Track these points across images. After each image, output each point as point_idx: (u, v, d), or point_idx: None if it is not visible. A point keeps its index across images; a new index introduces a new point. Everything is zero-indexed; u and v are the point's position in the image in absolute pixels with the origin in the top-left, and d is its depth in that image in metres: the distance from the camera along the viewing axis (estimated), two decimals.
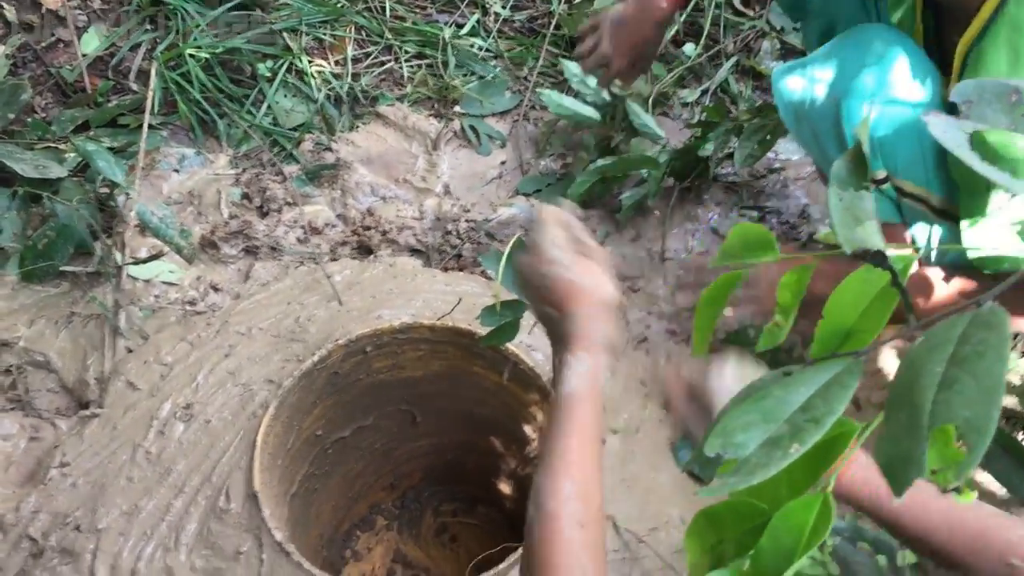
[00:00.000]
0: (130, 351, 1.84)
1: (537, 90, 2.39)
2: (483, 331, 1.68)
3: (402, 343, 1.74)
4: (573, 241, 1.16)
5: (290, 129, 2.30)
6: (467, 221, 2.16)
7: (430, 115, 2.38)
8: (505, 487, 2.03)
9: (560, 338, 1.12)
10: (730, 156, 2.14)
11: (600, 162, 2.09)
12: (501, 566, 1.42)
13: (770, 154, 2.20)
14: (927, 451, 0.49)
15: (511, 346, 1.68)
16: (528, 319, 1.49)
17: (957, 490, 0.48)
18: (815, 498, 0.64)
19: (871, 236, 0.62)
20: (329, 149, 2.28)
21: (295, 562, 1.43)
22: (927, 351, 0.53)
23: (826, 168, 1.73)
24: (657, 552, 1.48)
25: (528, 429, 1.82)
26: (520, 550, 1.43)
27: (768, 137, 2.00)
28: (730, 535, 0.74)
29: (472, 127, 2.36)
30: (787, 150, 2.31)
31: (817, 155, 1.68)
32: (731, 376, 1.16)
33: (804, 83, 1.51)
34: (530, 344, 1.73)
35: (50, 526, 1.56)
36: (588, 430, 1.03)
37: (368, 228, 2.12)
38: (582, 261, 1.14)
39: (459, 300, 1.73)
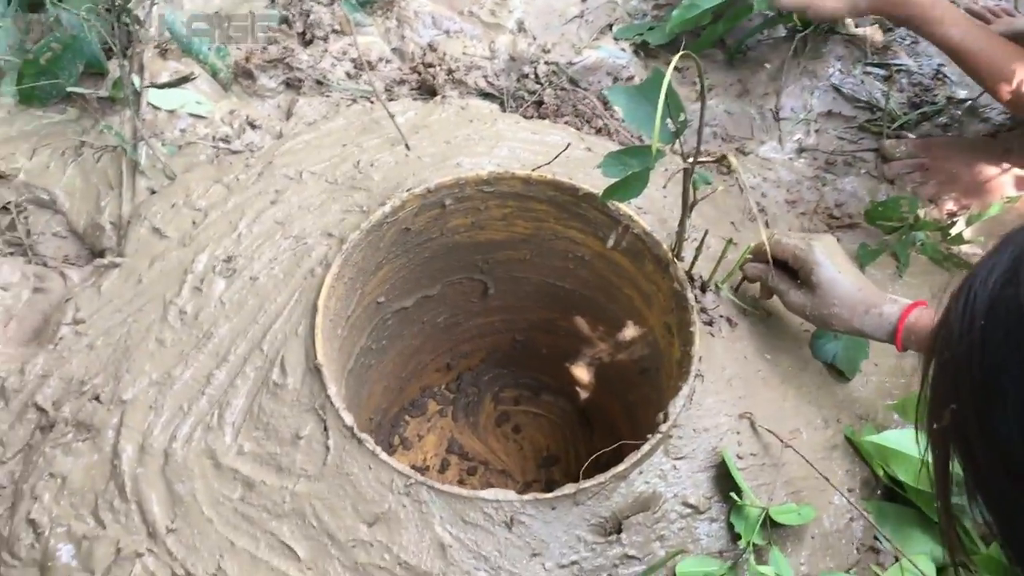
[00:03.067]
0: (153, 192, 1.53)
1: None
2: (588, 186, 1.40)
3: (487, 197, 1.44)
4: None
5: None
6: (547, 63, 1.83)
7: None
8: (581, 375, 1.76)
9: None
10: None
11: None
12: (621, 467, 1.15)
13: None
14: None
15: (623, 206, 1.39)
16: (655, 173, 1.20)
17: None
18: None
19: None
20: None
21: (369, 451, 1.16)
22: None
23: None
24: (803, 456, 1.22)
25: (622, 309, 1.54)
26: (642, 450, 1.17)
27: None
28: None
29: None
30: None
31: None
32: (830, 249, 1.26)
33: None
34: (641, 207, 1.44)
35: (63, 394, 1.28)
36: None
37: (431, 65, 1.79)
38: None
39: (567, 144, 1.42)
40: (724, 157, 1.17)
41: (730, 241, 1.28)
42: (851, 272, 1.25)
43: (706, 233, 1.29)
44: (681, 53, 1.06)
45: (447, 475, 1.75)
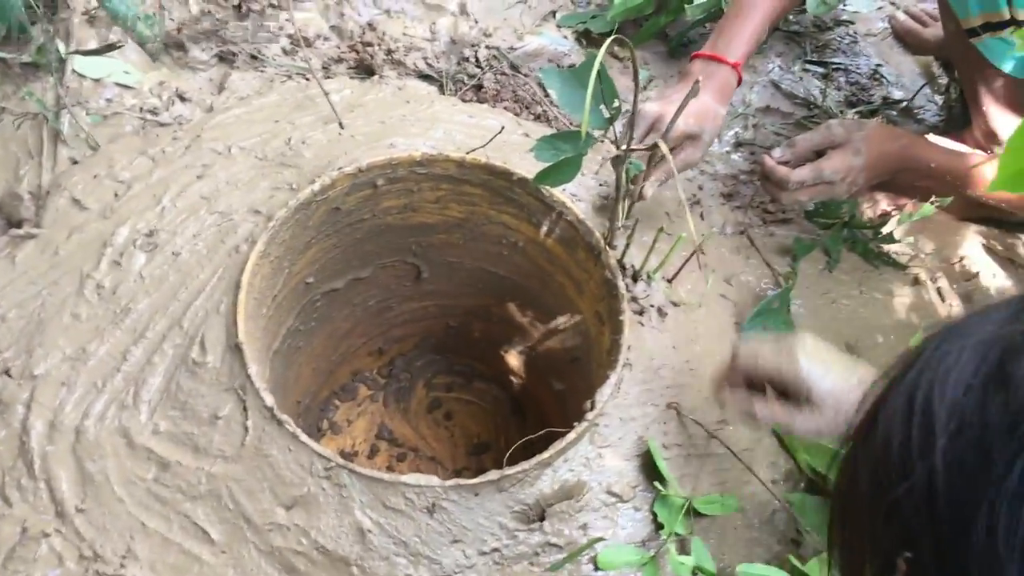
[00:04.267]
0: (75, 163, 1.47)
1: None
2: (522, 171, 1.38)
3: (420, 179, 1.41)
4: None
5: None
6: (488, 48, 1.80)
7: None
8: (513, 362, 1.75)
9: None
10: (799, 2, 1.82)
11: None
12: (546, 454, 1.14)
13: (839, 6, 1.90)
14: None
15: (557, 192, 1.38)
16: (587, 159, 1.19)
17: None
18: None
19: None
20: None
21: (289, 433, 1.13)
22: None
23: None
24: (728, 447, 1.23)
25: (554, 296, 1.53)
26: (567, 438, 1.16)
27: None
28: None
29: None
30: (857, 2, 1.99)
31: None
32: (816, 354, 1.04)
33: None
34: (575, 194, 1.43)
35: None
36: None
37: (369, 44, 1.76)
38: None
39: (501, 128, 1.40)
40: (656, 145, 1.17)
41: (661, 230, 1.27)
42: (841, 363, 1.05)
43: (636, 222, 1.28)
44: (614, 37, 1.05)
45: (376, 461, 1.72)
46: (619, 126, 1.44)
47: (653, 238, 1.32)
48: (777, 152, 1.46)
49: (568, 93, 1.16)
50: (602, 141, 1.19)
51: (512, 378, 1.78)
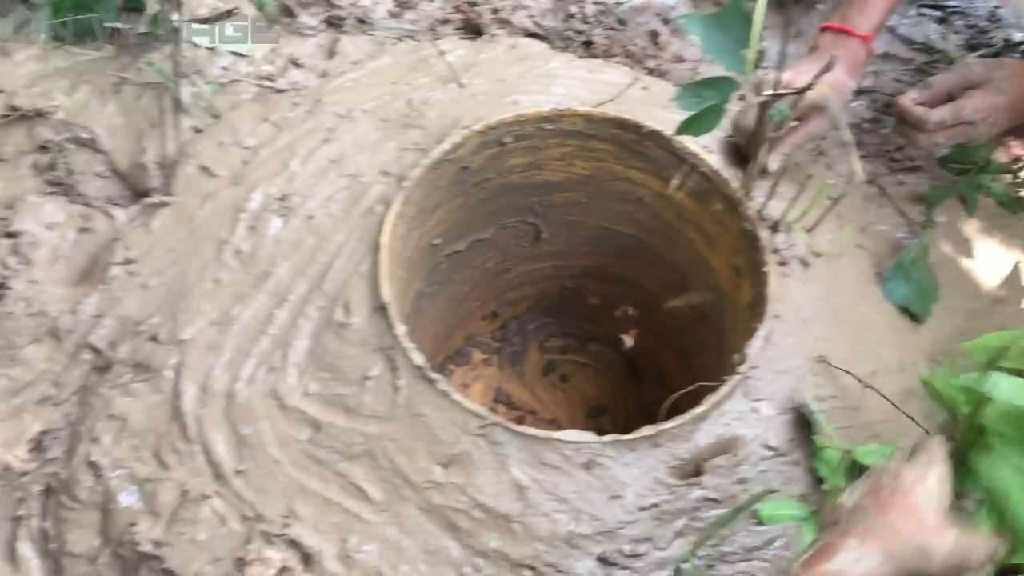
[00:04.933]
0: (198, 131, 1.47)
1: None
2: (653, 124, 1.35)
3: (547, 135, 1.39)
4: None
5: None
6: (594, 3, 1.77)
7: None
8: (630, 322, 1.73)
9: None
10: None
11: None
12: (700, 408, 1.12)
13: None
14: None
15: (690, 143, 1.35)
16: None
17: None
18: None
19: None
20: None
21: (441, 392, 1.12)
22: None
23: None
24: (884, 396, 1.19)
25: (682, 252, 1.50)
26: (721, 391, 1.13)
27: None
28: None
29: None
30: None
31: None
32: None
33: None
34: (706, 145, 1.39)
35: (118, 334, 1.24)
36: None
37: (475, 4, 1.73)
38: None
39: (630, 81, 1.37)
40: (810, 87, 1.13)
41: (809, 177, 1.23)
42: None
43: (783, 170, 1.25)
44: None
45: None
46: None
47: (795, 189, 1.28)
48: (913, 93, 1.41)
49: (712, 38, 1.13)
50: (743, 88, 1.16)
51: (627, 338, 1.76)
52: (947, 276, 1.42)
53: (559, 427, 1.73)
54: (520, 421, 1.73)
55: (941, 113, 1.37)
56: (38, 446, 1.20)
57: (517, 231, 1.58)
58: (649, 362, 1.77)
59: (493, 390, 1.76)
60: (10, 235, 1.35)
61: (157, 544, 1.07)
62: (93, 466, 1.14)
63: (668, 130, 1.33)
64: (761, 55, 1.10)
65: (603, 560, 1.07)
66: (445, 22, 1.74)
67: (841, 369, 1.21)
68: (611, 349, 1.83)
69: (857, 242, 1.42)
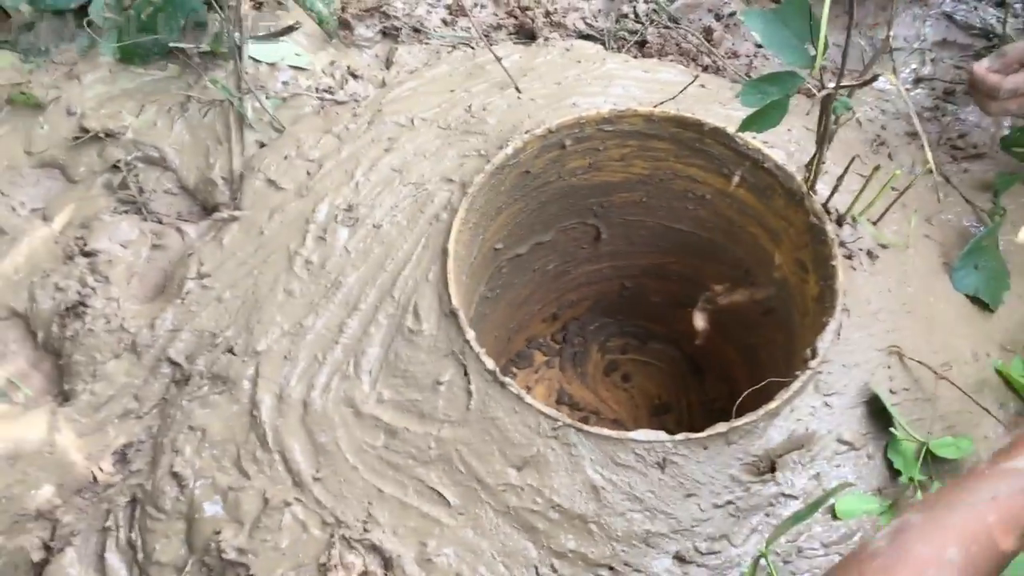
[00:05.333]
0: (263, 145, 1.51)
1: None
2: (713, 121, 1.35)
3: (607, 136, 1.40)
4: None
5: None
6: (646, 2, 1.77)
7: None
8: (699, 321, 1.72)
9: None
10: None
11: None
12: (773, 404, 1.12)
13: None
14: None
15: (751, 140, 1.34)
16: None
17: None
18: None
19: None
20: None
21: (513, 395, 1.14)
22: None
23: None
24: (958, 387, 1.18)
25: (744, 248, 1.50)
26: (792, 387, 1.13)
27: None
28: None
29: None
30: None
31: None
32: None
33: None
34: (767, 140, 1.39)
35: (195, 347, 1.28)
36: None
37: (527, 8, 1.75)
38: None
39: (692, 79, 1.37)
40: (876, 77, 1.12)
41: (877, 168, 1.22)
42: None
43: (852, 160, 1.24)
44: None
45: None
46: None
47: (860, 182, 1.27)
48: (986, 61, 1.39)
49: (773, 34, 1.13)
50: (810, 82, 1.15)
51: (699, 319, 1.74)
52: (1018, 263, 1.40)
53: (623, 427, 1.74)
54: (585, 421, 1.73)
55: (1015, 80, 1.35)
56: (122, 458, 1.24)
57: (577, 233, 1.59)
58: (712, 359, 1.77)
59: (556, 391, 1.77)
60: (87, 254, 1.39)
61: (241, 552, 1.10)
62: (176, 477, 1.17)
63: (729, 127, 1.33)
64: (825, 49, 1.09)
65: (679, 558, 1.08)
66: (498, 28, 1.76)
67: (915, 360, 1.20)
68: (672, 347, 1.83)
69: (924, 232, 1.40)
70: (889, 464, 1.14)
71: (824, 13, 1.02)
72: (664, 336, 1.83)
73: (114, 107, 1.56)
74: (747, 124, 1.16)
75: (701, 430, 1.12)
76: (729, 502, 1.10)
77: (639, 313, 1.82)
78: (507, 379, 1.14)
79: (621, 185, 1.50)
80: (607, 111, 1.36)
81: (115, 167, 1.51)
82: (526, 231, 1.51)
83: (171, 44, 1.56)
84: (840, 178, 1.25)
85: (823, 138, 1.23)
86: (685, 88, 1.36)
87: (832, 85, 1.16)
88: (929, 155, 1.06)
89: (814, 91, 1.13)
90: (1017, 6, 1.79)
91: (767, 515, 1.10)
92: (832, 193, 1.28)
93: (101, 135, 1.52)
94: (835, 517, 1.10)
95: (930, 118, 1.62)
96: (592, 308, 1.83)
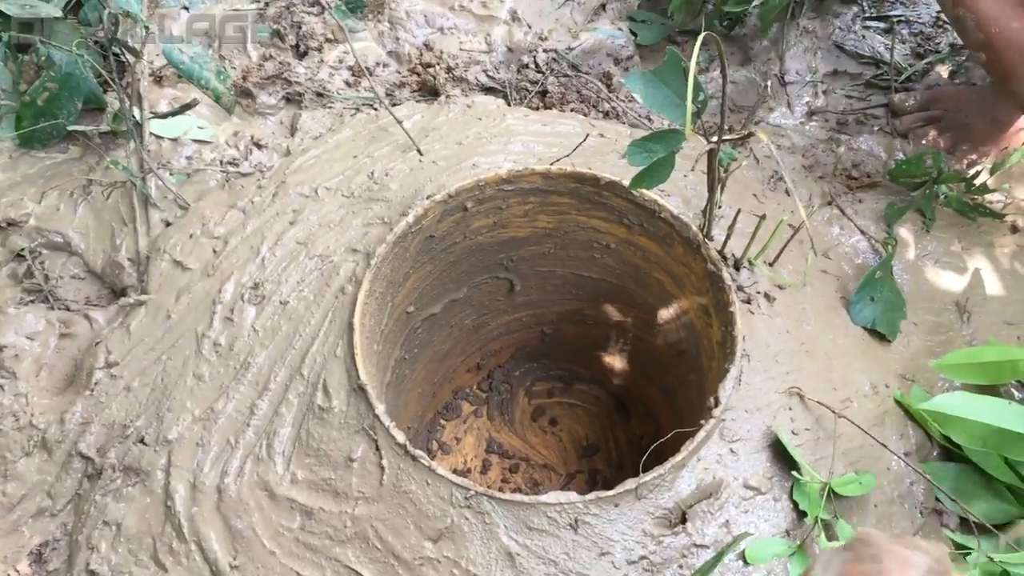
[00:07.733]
0: (168, 224, 1.51)
1: None
2: (608, 175, 1.38)
3: (508, 195, 1.42)
4: None
5: None
6: (545, 51, 1.80)
7: None
8: (613, 361, 1.76)
9: None
10: None
11: None
12: (679, 456, 1.14)
13: None
14: None
15: (648, 192, 1.37)
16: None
17: None
18: None
19: None
20: None
21: (425, 468, 1.15)
22: None
23: None
24: (857, 424, 1.22)
25: (652, 294, 1.53)
26: (697, 438, 1.16)
27: None
28: None
29: None
30: None
31: None
32: None
33: None
34: (663, 189, 1.42)
35: (106, 440, 1.27)
36: None
37: (429, 65, 1.77)
38: None
39: (584, 136, 1.40)
40: (751, 134, 1.16)
41: (763, 217, 1.26)
42: None
43: (738, 212, 1.27)
44: (704, 34, 1.05)
45: (490, 475, 1.74)
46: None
47: (751, 225, 1.31)
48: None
49: (653, 94, 1.16)
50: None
51: (614, 379, 1.79)
52: (913, 290, 1.45)
53: (553, 471, 1.76)
54: (515, 470, 1.75)
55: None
56: (39, 559, 1.22)
57: (490, 287, 1.61)
58: (635, 398, 1.80)
59: (485, 441, 1.79)
60: None
61: None
62: (93, 575, 1.16)
63: (624, 179, 1.36)
64: (704, 104, 1.12)
65: None
66: (401, 85, 1.77)
67: (814, 400, 1.24)
68: (597, 387, 1.85)
69: (822, 267, 1.45)
70: (795, 505, 1.17)
71: (692, 69, 1.04)
72: (588, 377, 1.85)
73: (15, 195, 1.54)
74: (637, 182, 1.19)
75: (630, 468, 1.14)
76: (643, 557, 1.12)
77: (562, 356, 1.85)
78: (418, 452, 1.15)
79: (528, 239, 1.52)
80: (505, 172, 1.39)
81: (19, 256, 1.50)
82: (438, 291, 1.52)
83: (69, 128, 1.55)
84: (731, 227, 1.28)
85: (714, 187, 1.27)
86: (579, 145, 1.38)
87: (715, 139, 1.19)
88: (802, 211, 1.09)
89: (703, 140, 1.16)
90: (904, 32, 1.86)
91: (680, 567, 1.12)
92: (727, 239, 1.31)
93: (3, 224, 1.51)
94: (745, 562, 1.13)
95: (825, 150, 1.67)
96: (515, 355, 1.85)
